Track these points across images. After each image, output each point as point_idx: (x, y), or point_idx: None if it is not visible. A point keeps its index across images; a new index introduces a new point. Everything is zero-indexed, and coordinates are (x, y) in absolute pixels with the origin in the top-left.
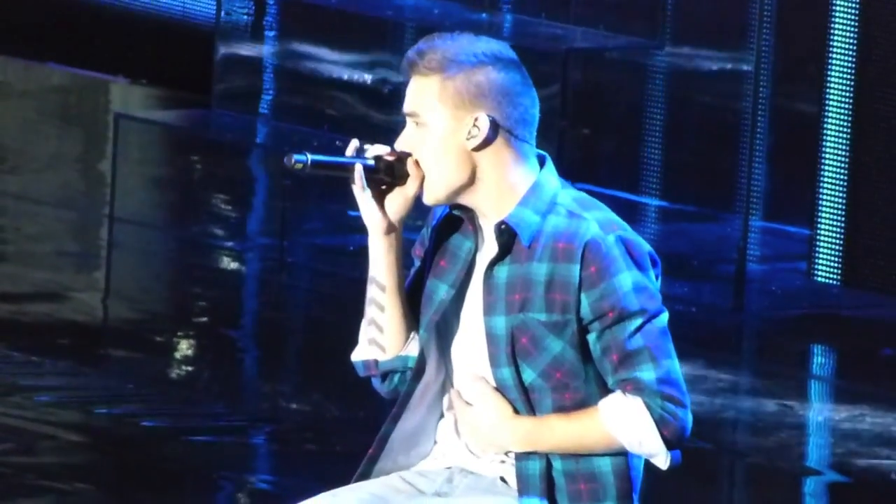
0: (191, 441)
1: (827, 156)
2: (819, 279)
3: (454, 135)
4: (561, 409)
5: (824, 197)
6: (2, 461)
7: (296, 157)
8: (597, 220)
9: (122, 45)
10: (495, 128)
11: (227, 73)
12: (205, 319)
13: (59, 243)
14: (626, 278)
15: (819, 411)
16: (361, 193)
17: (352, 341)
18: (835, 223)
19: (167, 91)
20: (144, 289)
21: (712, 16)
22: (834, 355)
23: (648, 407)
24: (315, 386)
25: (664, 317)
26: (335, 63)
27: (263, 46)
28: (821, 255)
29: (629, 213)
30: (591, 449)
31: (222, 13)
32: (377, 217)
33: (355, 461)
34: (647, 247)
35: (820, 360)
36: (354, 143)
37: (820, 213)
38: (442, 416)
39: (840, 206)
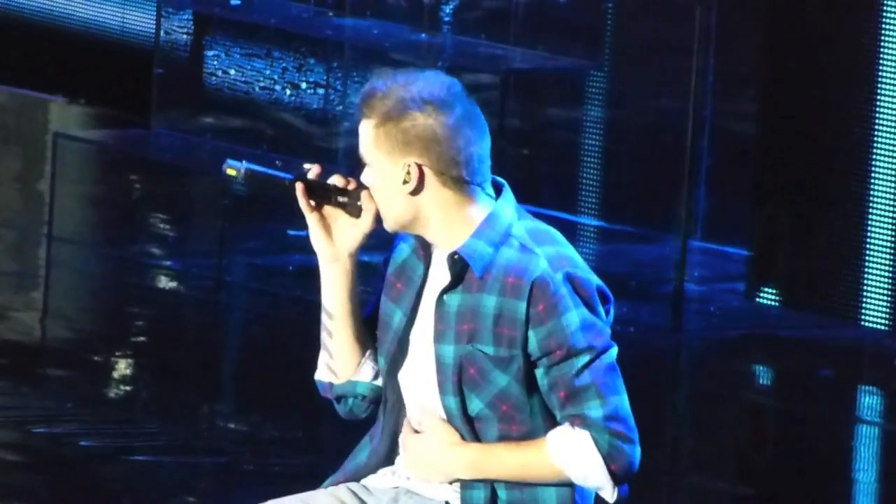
0: (129, 461)
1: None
2: (758, 300)
3: (392, 179)
4: (507, 439)
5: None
6: None
7: (230, 162)
8: (546, 257)
9: (61, 64)
10: (427, 174)
11: (166, 93)
12: (143, 339)
13: None
14: (574, 317)
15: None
16: (308, 216)
17: (290, 361)
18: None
19: (106, 110)
20: (82, 308)
21: (652, 37)
22: (772, 375)
23: (596, 442)
24: (253, 406)
25: (613, 352)
26: (275, 83)
27: (202, 66)
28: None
29: (568, 233)
30: (538, 479)
31: (161, 32)
32: (323, 244)
33: (294, 481)
34: (595, 283)
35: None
36: (318, 168)
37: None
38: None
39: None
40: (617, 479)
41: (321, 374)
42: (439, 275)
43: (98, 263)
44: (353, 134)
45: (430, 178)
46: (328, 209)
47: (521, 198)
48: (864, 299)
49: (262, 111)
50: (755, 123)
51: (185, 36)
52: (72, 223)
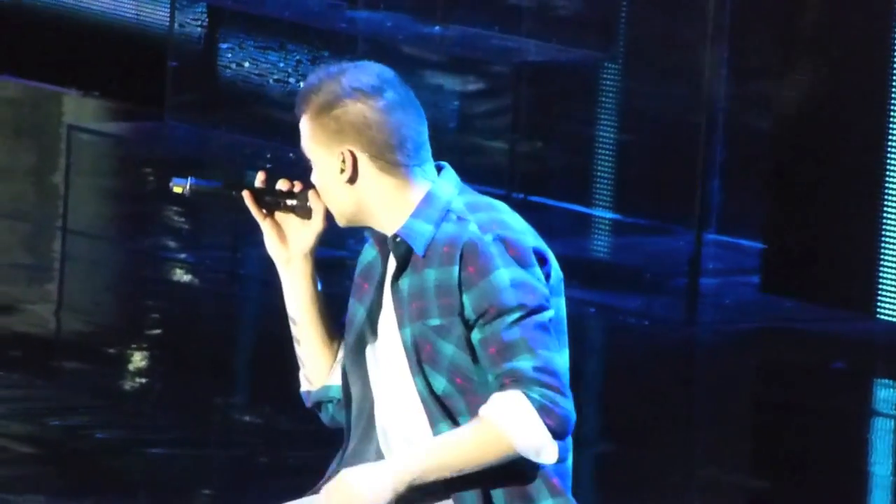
0: (144, 453)
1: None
2: (773, 293)
3: (330, 170)
4: (477, 412)
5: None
6: None
7: (175, 180)
8: (477, 222)
9: (75, 57)
10: (362, 159)
11: (180, 85)
12: (157, 331)
13: (11, 255)
14: (503, 274)
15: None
16: (261, 223)
17: None
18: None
19: (120, 103)
20: (97, 301)
21: (665, 29)
22: (786, 368)
23: (528, 397)
24: (267, 398)
25: (547, 314)
26: (289, 75)
27: (216, 58)
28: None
29: (582, 225)
30: (483, 458)
31: (175, 25)
32: (276, 249)
33: (307, 474)
34: (530, 244)
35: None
36: (262, 175)
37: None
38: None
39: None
40: (555, 433)
41: (302, 385)
42: (392, 264)
43: (112, 256)
44: None
45: (365, 163)
46: (279, 214)
47: (535, 190)
48: (880, 291)
49: (276, 103)
50: (769, 116)
51: (198, 28)
52: (86, 216)
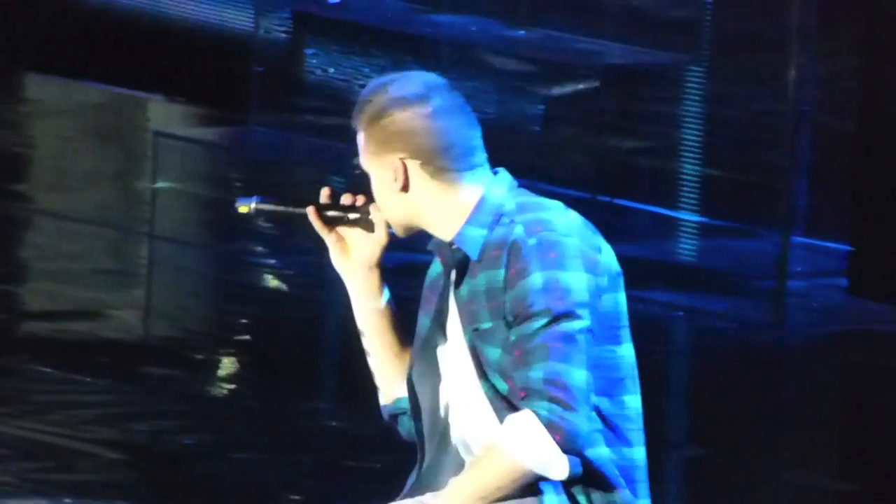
0: (230, 458)
1: None
2: (860, 295)
3: (384, 180)
4: None
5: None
6: (42, 479)
7: (241, 200)
8: (523, 223)
9: (160, 62)
10: (412, 167)
11: (265, 91)
12: (245, 337)
13: (98, 261)
14: (538, 278)
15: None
16: (326, 238)
17: None
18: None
19: (205, 108)
20: (184, 306)
21: (750, 30)
22: (873, 371)
23: (536, 413)
24: (354, 403)
25: (576, 322)
26: (372, 80)
27: (301, 63)
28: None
29: (667, 228)
30: (502, 482)
31: (260, 30)
32: (341, 262)
33: (395, 479)
34: (574, 245)
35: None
36: (326, 191)
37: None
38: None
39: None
40: (563, 449)
41: (379, 399)
42: (454, 272)
43: (199, 261)
44: None
45: (416, 170)
46: (343, 228)
47: (620, 193)
48: None
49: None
50: (856, 117)
51: (283, 34)
52: (172, 221)
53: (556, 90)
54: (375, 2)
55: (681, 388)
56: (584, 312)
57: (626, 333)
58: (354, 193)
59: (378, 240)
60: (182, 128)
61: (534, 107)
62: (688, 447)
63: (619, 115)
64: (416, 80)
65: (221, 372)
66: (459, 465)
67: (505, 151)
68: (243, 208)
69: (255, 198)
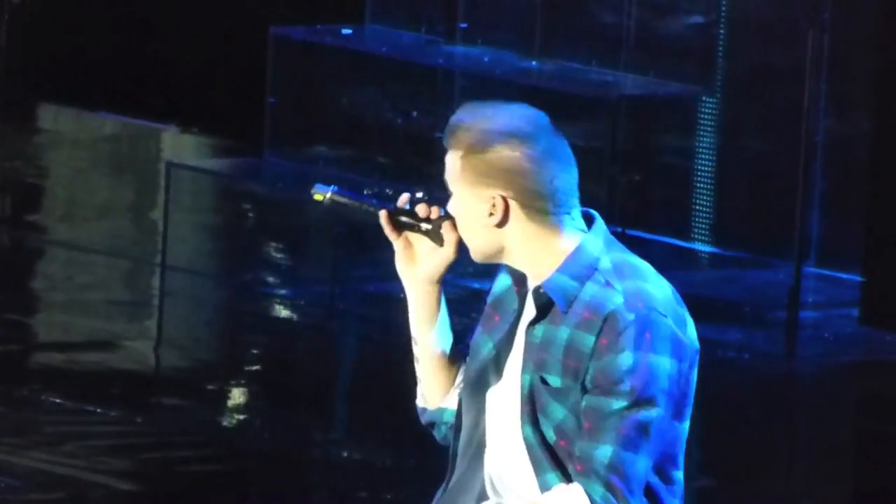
0: (243, 489)
1: None
2: (872, 326)
3: (477, 211)
4: (569, 477)
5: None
6: None
7: (318, 186)
8: (624, 292)
9: (173, 94)
10: (513, 206)
11: (279, 122)
12: (256, 367)
13: (111, 292)
14: (629, 357)
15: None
16: (394, 242)
17: (402, 389)
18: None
19: (218, 139)
20: (196, 337)
21: (763, 61)
22: (887, 401)
23: (589, 495)
24: (367, 434)
25: (654, 411)
26: (386, 111)
27: (314, 94)
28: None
29: (680, 259)
30: None
31: (274, 61)
32: (405, 269)
33: None
34: (670, 331)
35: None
36: (405, 197)
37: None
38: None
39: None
40: None
41: (418, 400)
42: (531, 307)
43: (211, 292)
44: None
45: (516, 210)
46: (413, 236)
47: (633, 224)
48: None
49: (374, 139)
50: (869, 147)
51: (297, 65)
52: (185, 252)
53: (570, 120)
54: (389, 33)
55: (693, 418)
56: (662, 400)
57: (690, 409)
58: (430, 205)
59: (446, 257)
60: (195, 159)
61: None
62: (700, 478)
63: (632, 146)
64: (524, 115)
65: (233, 402)
66: (482, 495)
67: None
68: (318, 196)
69: (332, 187)
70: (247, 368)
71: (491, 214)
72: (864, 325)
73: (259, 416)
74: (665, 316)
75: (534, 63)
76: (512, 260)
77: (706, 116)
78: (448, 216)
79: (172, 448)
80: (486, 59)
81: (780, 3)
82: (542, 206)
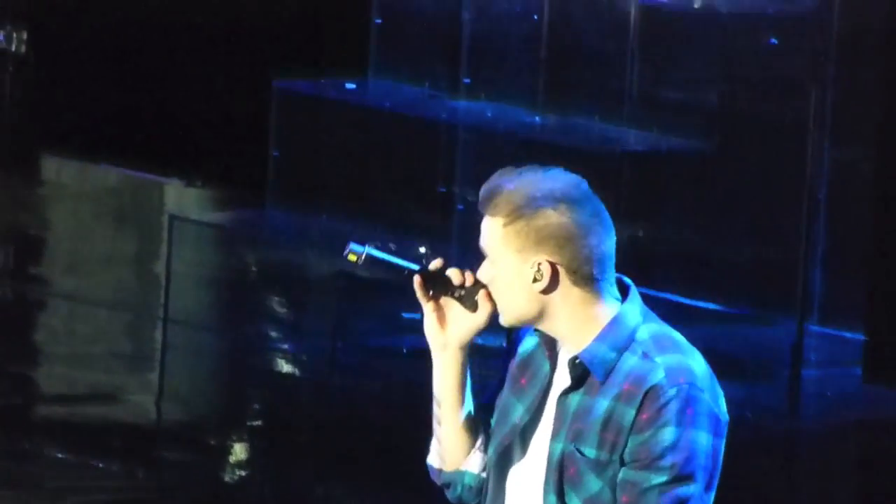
0: None
1: None
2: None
3: (520, 276)
4: None
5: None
6: None
7: (352, 246)
8: (665, 367)
9: (176, 146)
10: (559, 271)
11: (281, 174)
12: (258, 422)
13: (113, 344)
14: (671, 433)
15: None
16: (424, 305)
17: (404, 443)
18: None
19: (221, 192)
20: (198, 390)
21: (766, 118)
22: (890, 460)
23: None
24: (368, 489)
25: (690, 487)
26: (388, 165)
27: (317, 147)
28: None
29: (683, 315)
30: None
31: (276, 114)
32: (434, 333)
33: None
34: (709, 407)
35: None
36: (439, 261)
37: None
38: None
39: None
40: None
41: (432, 459)
42: (564, 374)
43: (213, 345)
44: (467, 215)
45: (563, 276)
46: (444, 300)
47: (637, 280)
48: None
49: (376, 192)
50: (871, 204)
51: (300, 118)
52: (188, 305)
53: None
54: (393, 87)
55: None
56: (700, 476)
57: (715, 482)
58: (463, 270)
59: (477, 323)
60: (198, 211)
61: None
62: None
63: (634, 200)
64: (567, 181)
65: (235, 457)
66: None
67: None
68: (352, 256)
69: (366, 246)
70: (248, 423)
71: (536, 280)
72: (868, 383)
73: (261, 471)
74: (703, 391)
75: (537, 118)
76: (548, 325)
77: (708, 171)
78: (481, 284)
79: (174, 502)
80: (489, 114)
81: (783, 59)
82: (588, 273)
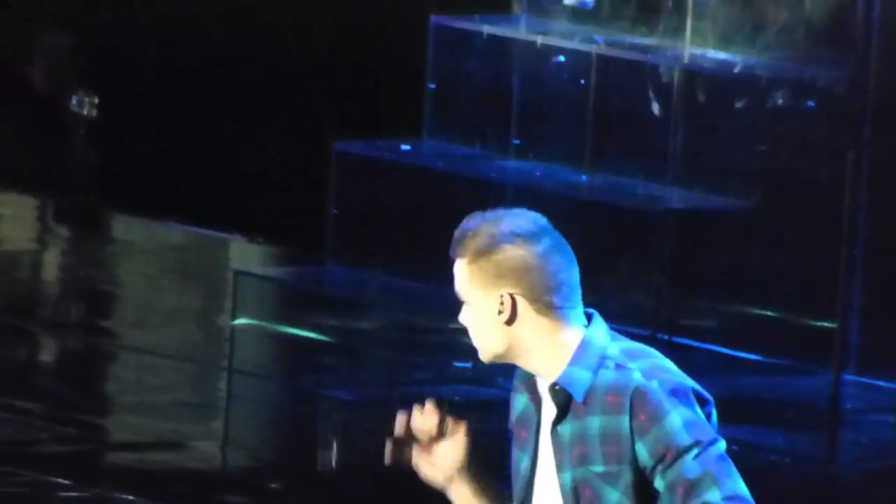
0: None
1: None
2: None
3: (488, 312)
4: None
5: None
6: None
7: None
8: (640, 370)
9: (240, 204)
10: (520, 302)
11: (340, 231)
12: (317, 468)
13: (179, 394)
14: (675, 417)
15: None
16: (415, 465)
17: None
18: None
19: (282, 248)
20: (262, 438)
21: (805, 176)
22: None
23: None
24: None
25: (721, 445)
26: (442, 223)
27: (375, 205)
28: None
29: (724, 366)
30: None
31: (334, 173)
32: (435, 474)
33: None
34: (690, 385)
35: None
36: (401, 420)
37: None
38: None
39: None
40: None
41: None
42: (549, 408)
43: (275, 394)
44: None
45: (524, 306)
46: (425, 443)
47: (679, 332)
48: None
49: (430, 248)
50: None
51: (358, 177)
52: (250, 356)
53: (618, 232)
54: (446, 148)
55: None
56: (719, 436)
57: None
58: (420, 410)
59: (460, 444)
60: (260, 266)
61: (597, 247)
62: None
63: (678, 256)
64: (526, 217)
65: (297, 502)
66: None
67: None
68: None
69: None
70: (309, 469)
71: (500, 312)
72: None
73: None
74: (679, 376)
75: (584, 177)
76: (521, 358)
77: (750, 228)
78: (444, 415)
79: None
80: (537, 174)
81: (821, 120)
82: (549, 301)
